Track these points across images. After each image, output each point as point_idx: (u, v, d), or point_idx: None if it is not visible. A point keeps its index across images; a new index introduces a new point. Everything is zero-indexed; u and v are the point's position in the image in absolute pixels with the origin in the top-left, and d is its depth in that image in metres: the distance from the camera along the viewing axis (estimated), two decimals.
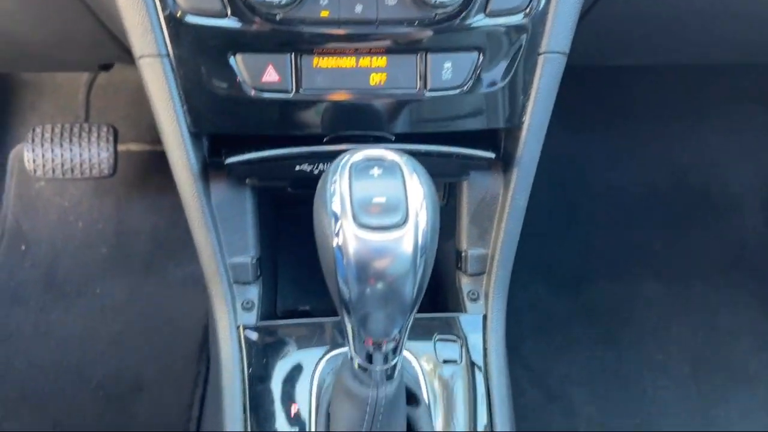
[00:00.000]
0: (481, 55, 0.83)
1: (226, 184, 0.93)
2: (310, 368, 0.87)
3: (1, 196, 2.00)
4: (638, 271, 1.97)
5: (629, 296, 1.93)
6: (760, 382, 1.76)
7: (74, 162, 1.83)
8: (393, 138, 0.88)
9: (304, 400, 0.84)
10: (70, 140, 1.84)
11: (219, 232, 0.92)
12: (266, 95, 0.82)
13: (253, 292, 0.93)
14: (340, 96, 0.83)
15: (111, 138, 1.87)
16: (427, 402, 0.83)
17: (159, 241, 1.98)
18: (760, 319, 1.87)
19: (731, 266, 1.97)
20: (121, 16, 0.81)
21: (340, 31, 0.79)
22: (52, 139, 1.83)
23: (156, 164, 2.09)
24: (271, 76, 0.81)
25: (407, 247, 0.61)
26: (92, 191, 2.04)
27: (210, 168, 0.92)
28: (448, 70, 0.83)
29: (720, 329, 1.87)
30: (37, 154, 1.82)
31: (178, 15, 0.79)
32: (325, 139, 0.89)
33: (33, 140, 1.83)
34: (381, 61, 0.81)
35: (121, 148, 1.91)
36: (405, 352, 0.84)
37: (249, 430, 0.83)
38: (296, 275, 1.23)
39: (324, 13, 0.77)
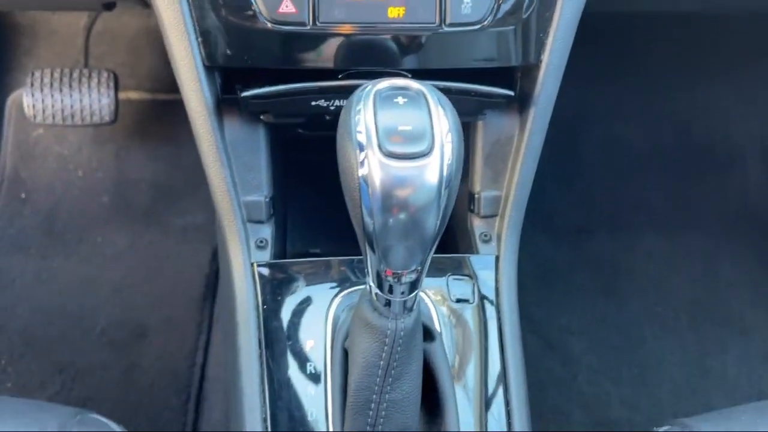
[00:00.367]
0: None
1: (240, 122, 0.91)
2: (324, 305, 0.87)
3: None
4: (639, 223, 1.98)
5: (630, 248, 1.94)
6: (755, 332, 1.79)
7: (74, 108, 1.80)
8: (409, 75, 0.87)
9: (320, 336, 0.85)
10: (70, 86, 1.81)
11: (233, 169, 0.91)
12: (282, 28, 0.81)
13: (267, 231, 0.93)
14: (357, 29, 0.82)
15: (112, 84, 1.84)
16: (441, 338, 0.84)
17: (159, 190, 1.97)
18: (758, 272, 1.89)
19: (732, 219, 1.99)
20: None
21: None
22: (51, 84, 1.80)
23: (155, 113, 2.06)
24: (287, 7, 0.80)
25: (432, 176, 0.61)
26: (91, 139, 2.02)
27: (223, 105, 0.90)
28: (468, 4, 0.81)
29: (718, 281, 1.89)
30: (37, 100, 1.79)
31: None
32: (340, 75, 0.87)
33: (32, 85, 1.80)
34: None
35: (120, 96, 1.89)
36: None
37: (265, 365, 0.83)
38: (304, 219, 1.23)
39: None
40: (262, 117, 0.92)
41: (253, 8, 0.80)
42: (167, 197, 1.95)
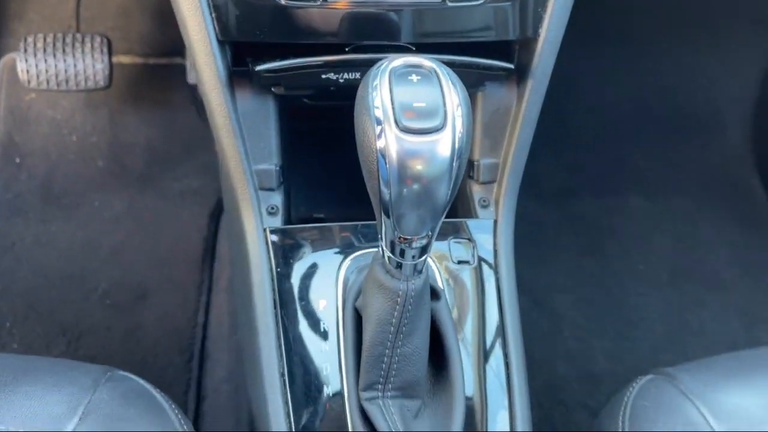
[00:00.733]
0: None
1: (251, 93, 0.95)
2: (334, 268, 0.92)
3: None
4: (623, 185, 2.05)
5: (614, 209, 2.01)
6: (732, 289, 1.88)
7: (68, 73, 1.81)
8: (414, 48, 0.91)
9: (331, 297, 0.90)
10: (63, 50, 1.81)
11: (245, 139, 0.95)
12: (295, 3, 0.84)
13: (277, 199, 0.97)
14: (365, 6, 0.85)
15: (105, 49, 1.85)
16: (446, 297, 0.90)
17: (155, 155, 1.99)
18: (736, 232, 1.98)
19: (713, 181, 2.06)
20: None
21: None
22: (45, 49, 1.80)
23: (148, 78, 2.07)
24: None
25: (445, 149, 0.65)
26: (84, 104, 2.03)
27: (234, 77, 0.94)
28: None
29: (698, 241, 1.97)
30: (31, 65, 1.79)
31: None
32: (347, 49, 0.91)
33: (26, 50, 1.80)
34: None
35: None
36: None
37: (281, 324, 0.89)
38: (307, 186, 1.27)
39: None
40: (273, 89, 0.95)
41: None
42: (163, 162, 1.97)
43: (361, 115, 0.67)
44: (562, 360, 1.71)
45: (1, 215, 1.87)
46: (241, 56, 0.94)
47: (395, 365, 0.79)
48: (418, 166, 0.65)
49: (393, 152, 0.65)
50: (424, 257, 0.75)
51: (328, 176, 1.29)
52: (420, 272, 0.76)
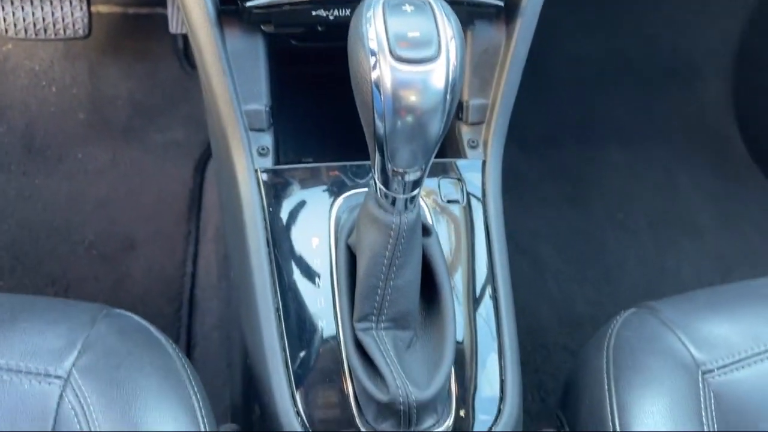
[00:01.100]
0: None
1: (240, 32, 0.95)
2: (326, 207, 0.93)
3: None
4: (604, 136, 2.08)
5: (595, 160, 2.05)
6: (707, 235, 1.93)
7: (47, 21, 1.78)
8: None
9: (324, 234, 0.92)
10: None
11: (234, 79, 0.95)
12: None
13: (267, 140, 0.98)
14: None
15: None
16: (437, 234, 0.92)
17: (137, 107, 1.97)
18: (714, 180, 2.02)
19: (692, 131, 2.10)
20: None
21: None
22: None
23: (127, 28, 2.03)
24: None
25: (439, 80, 0.66)
26: (62, 55, 2.00)
27: (222, 16, 0.93)
28: None
29: (677, 189, 2.01)
30: (8, 13, 1.75)
31: None
32: None
33: None
34: None
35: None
36: None
37: (274, 262, 0.90)
38: (295, 131, 1.28)
39: None
40: (263, 27, 0.95)
41: None
42: (146, 114, 1.96)
43: (354, 46, 0.68)
44: (544, 305, 1.75)
45: None
46: None
47: (388, 297, 0.82)
48: (413, 97, 0.66)
49: (387, 82, 0.66)
50: (416, 191, 0.76)
51: (317, 122, 1.30)
52: (412, 207, 0.78)
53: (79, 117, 1.94)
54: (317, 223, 0.93)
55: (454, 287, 0.92)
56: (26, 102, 1.93)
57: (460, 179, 0.99)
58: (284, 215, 0.94)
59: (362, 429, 0.83)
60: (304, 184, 0.96)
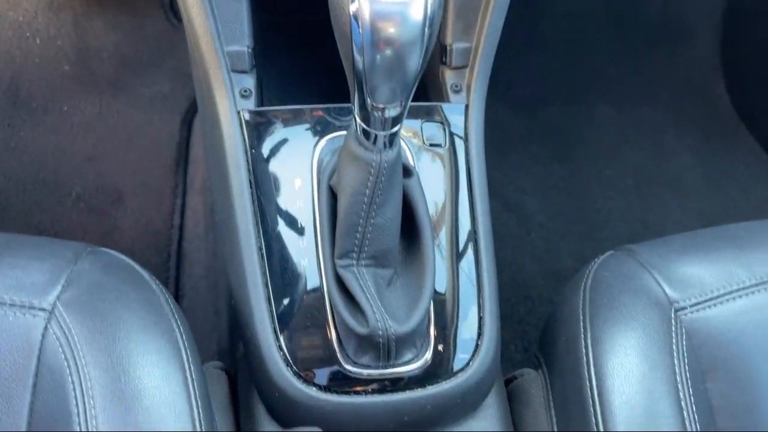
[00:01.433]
0: None
1: None
2: (309, 148, 0.94)
3: None
4: (593, 94, 2.08)
5: (583, 118, 2.05)
6: (692, 193, 1.95)
7: None
8: None
9: (306, 176, 0.92)
10: None
11: (216, 19, 0.94)
12: None
13: (250, 81, 0.98)
14: None
15: None
16: (418, 175, 0.93)
17: (123, 60, 1.95)
18: (699, 139, 2.03)
19: (681, 91, 2.10)
20: None
21: None
22: None
23: None
24: None
25: (417, 12, 0.66)
26: (47, 6, 1.97)
27: None
28: None
29: (664, 148, 2.02)
30: None
31: None
32: None
33: None
34: None
35: None
36: None
37: (257, 203, 0.91)
38: (279, 81, 1.28)
39: None
40: None
41: None
42: (132, 67, 1.94)
43: None
44: (529, 259, 1.77)
45: None
46: None
47: (369, 235, 0.83)
48: (391, 29, 0.67)
49: (366, 14, 0.66)
50: (396, 128, 0.77)
51: (300, 69, 1.29)
52: (392, 145, 0.79)
53: (65, 69, 1.92)
54: (300, 165, 0.93)
55: (435, 231, 0.93)
56: (11, 53, 1.91)
57: (443, 123, 1.00)
58: (267, 156, 0.94)
59: (343, 363, 0.85)
60: (287, 125, 0.96)
